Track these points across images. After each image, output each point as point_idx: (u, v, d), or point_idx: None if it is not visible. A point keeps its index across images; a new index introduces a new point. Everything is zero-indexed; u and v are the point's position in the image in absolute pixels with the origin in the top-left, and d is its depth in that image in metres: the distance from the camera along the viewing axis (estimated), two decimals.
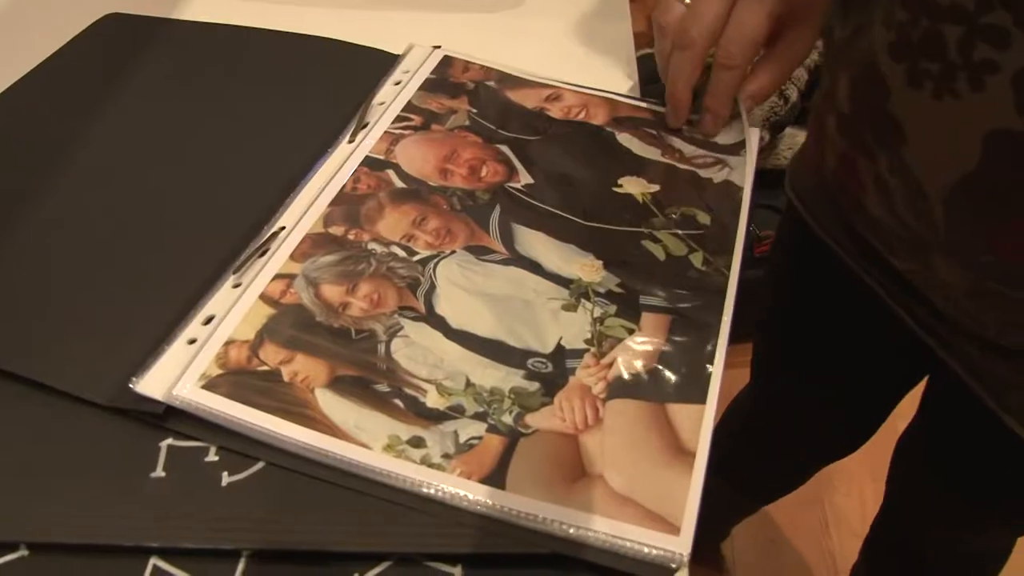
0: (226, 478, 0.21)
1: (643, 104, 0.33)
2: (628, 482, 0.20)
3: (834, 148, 0.32)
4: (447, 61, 0.34)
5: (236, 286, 0.25)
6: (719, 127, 0.31)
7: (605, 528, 0.19)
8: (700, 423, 0.22)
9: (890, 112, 0.26)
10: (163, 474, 0.21)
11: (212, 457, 0.21)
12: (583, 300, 0.24)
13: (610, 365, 0.23)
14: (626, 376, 0.23)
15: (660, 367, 0.23)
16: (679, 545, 0.19)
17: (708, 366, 0.23)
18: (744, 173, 0.29)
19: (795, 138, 0.83)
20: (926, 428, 0.45)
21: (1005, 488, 0.39)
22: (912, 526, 0.50)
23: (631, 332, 0.24)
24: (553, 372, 0.23)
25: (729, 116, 0.31)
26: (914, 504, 0.49)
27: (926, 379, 0.44)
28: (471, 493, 0.20)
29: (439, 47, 0.36)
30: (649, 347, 0.23)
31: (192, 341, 0.23)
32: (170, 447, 0.22)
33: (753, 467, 0.58)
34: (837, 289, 0.38)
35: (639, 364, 0.23)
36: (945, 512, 0.45)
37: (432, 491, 0.20)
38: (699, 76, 0.30)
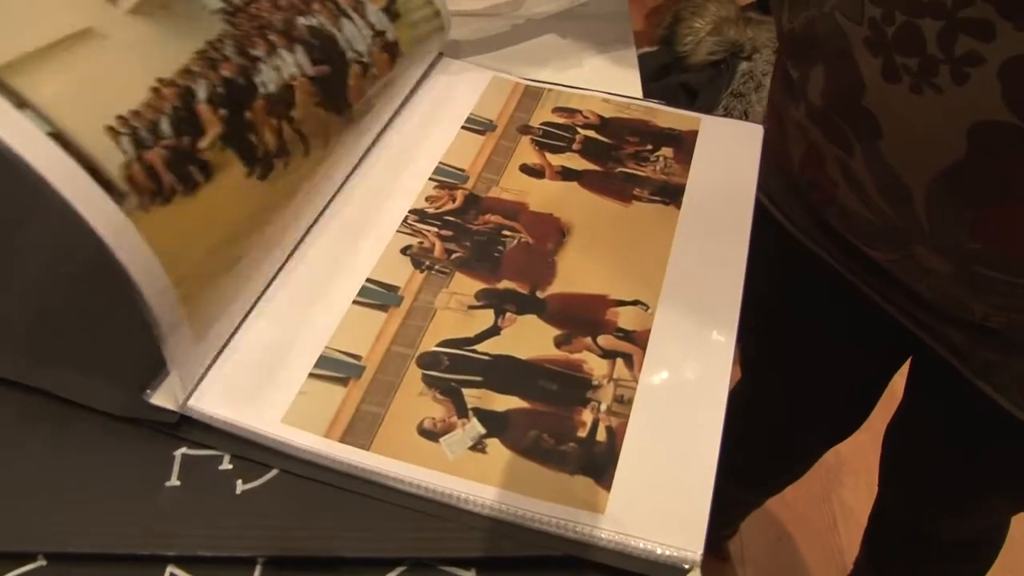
0: (240, 486, 0.21)
1: (639, 104, 0.34)
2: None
3: (799, 142, 0.32)
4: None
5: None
6: None
7: (617, 529, 0.20)
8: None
9: (865, 107, 0.25)
10: (178, 483, 0.21)
11: (226, 465, 0.22)
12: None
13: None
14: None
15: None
16: (691, 545, 0.19)
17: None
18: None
19: None
20: (912, 411, 0.45)
21: (995, 465, 0.39)
22: (907, 511, 0.51)
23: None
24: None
25: None
26: (906, 489, 0.49)
27: (909, 366, 0.44)
28: (483, 496, 0.20)
29: (442, 54, 0.36)
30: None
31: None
32: (184, 456, 0.22)
33: (752, 460, 0.58)
34: (813, 278, 0.39)
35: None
36: (937, 494, 0.45)
37: (444, 495, 0.20)
38: None
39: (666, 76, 0.87)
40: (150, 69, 0.20)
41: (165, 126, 0.19)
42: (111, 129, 0.18)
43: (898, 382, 0.47)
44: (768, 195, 0.39)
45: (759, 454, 0.58)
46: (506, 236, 0.28)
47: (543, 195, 0.29)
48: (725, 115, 0.82)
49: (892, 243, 0.29)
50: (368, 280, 0.26)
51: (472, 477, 0.21)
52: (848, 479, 0.87)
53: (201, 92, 0.20)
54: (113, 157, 0.17)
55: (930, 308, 0.31)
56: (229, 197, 0.21)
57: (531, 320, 0.25)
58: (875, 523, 0.57)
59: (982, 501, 0.43)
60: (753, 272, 0.47)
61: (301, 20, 0.24)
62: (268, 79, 0.23)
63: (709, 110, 0.82)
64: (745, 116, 0.84)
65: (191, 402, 0.22)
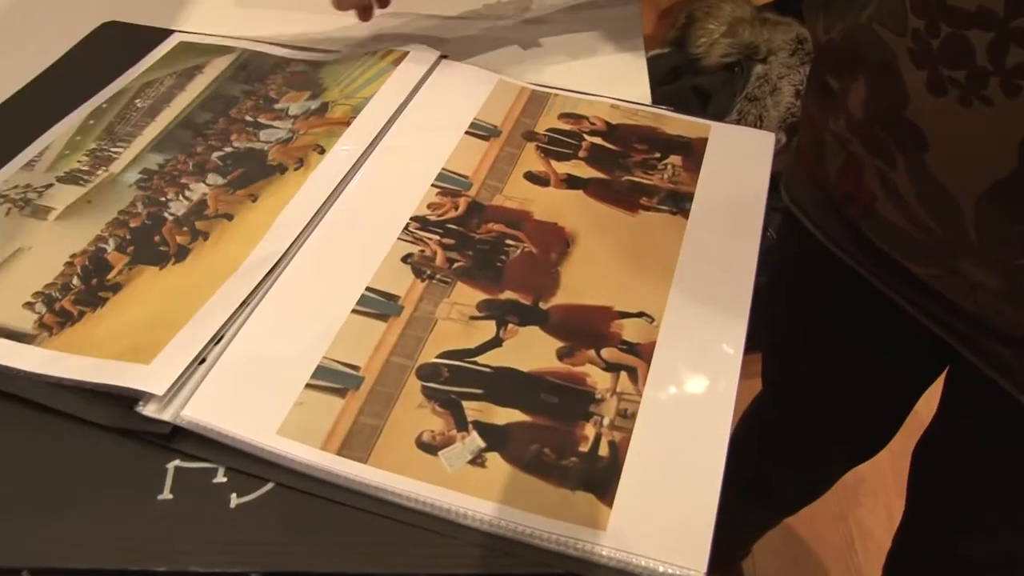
0: (235, 499, 0.22)
1: (647, 110, 0.34)
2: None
3: (836, 154, 0.32)
4: None
5: (245, 304, 0.25)
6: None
7: (619, 546, 0.20)
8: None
9: (909, 119, 0.26)
10: (170, 496, 0.22)
11: (220, 478, 0.22)
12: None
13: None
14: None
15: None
16: (695, 564, 0.20)
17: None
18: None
19: None
20: (946, 428, 0.45)
21: None
22: (936, 534, 0.50)
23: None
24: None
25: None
26: (938, 508, 0.48)
27: (944, 381, 0.44)
28: (483, 511, 0.21)
29: (446, 56, 0.37)
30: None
31: (202, 361, 0.24)
32: (177, 468, 0.22)
33: (771, 478, 0.58)
34: (844, 291, 0.39)
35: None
36: (970, 516, 0.45)
37: (443, 509, 0.21)
38: None
39: (678, 79, 0.87)
40: (65, 251, 0.28)
41: (75, 282, 0.27)
42: (27, 303, 0.26)
43: (925, 412, 0.46)
44: (801, 207, 0.39)
45: (778, 473, 0.57)
46: (509, 245, 0.28)
47: (548, 203, 0.30)
48: (739, 120, 0.82)
49: (936, 257, 0.29)
50: (367, 289, 0.26)
51: (471, 492, 0.21)
52: (866, 499, 0.86)
53: (111, 245, 0.29)
54: (28, 320, 0.26)
55: (975, 324, 0.31)
56: (146, 288, 0.27)
57: (533, 332, 0.25)
58: (901, 545, 0.56)
59: (1020, 521, 0.42)
60: (783, 283, 0.47)
61: (215, 155, 0.32)
62: (177, 208, 0.30)
63: (722, 114, 0.83)
64: (760, 121, 0.84)
65: (184, 412, 0.23)
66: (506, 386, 0.24)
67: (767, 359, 0.51)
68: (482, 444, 0.22)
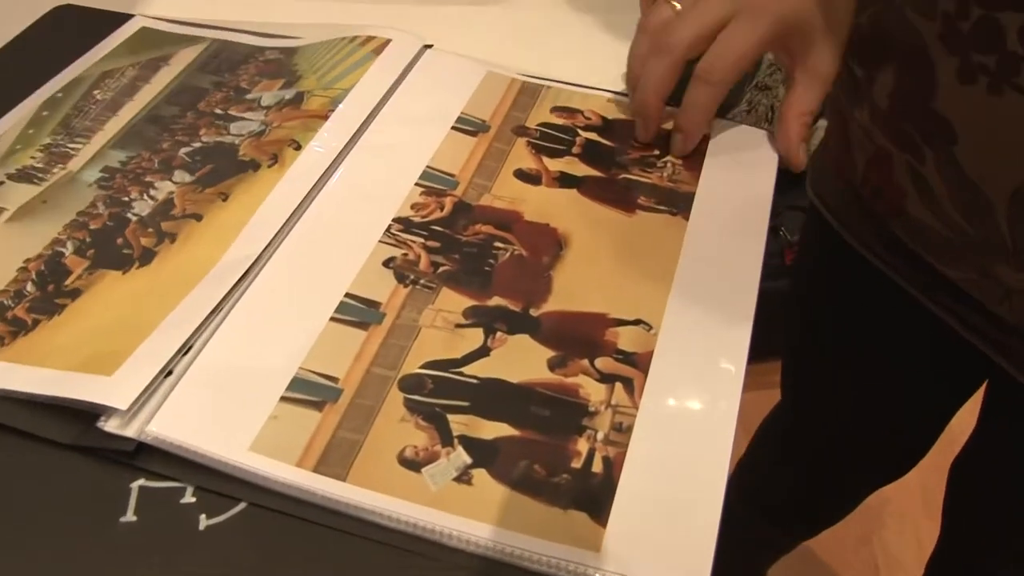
0: (204, 521, 0.22)
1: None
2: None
3: (864, 147, 0.33)
4: None
5: (215, 312, 0.26)
6: (688, 148, 0.32)
7: (614, 569, 0.21)
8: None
9: (935, 110, 0.26)
10: (134, 518, 0.22)
11: (189, 498, 0.23)
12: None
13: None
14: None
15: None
16: None
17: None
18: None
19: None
20: (986, 444, 0.45)
21: None
22: (974, 559, 0.50)
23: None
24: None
25: (699, 138, 0.31)
26: (975, 533, 0.48)
27: (984, 394, 0.44)
28: (469, 532, 0.21)
29: (431, 46, 0.38)
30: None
31: (168, 373, 0.25)
32: (142, 488, 0.23)
33: (789, 496, 0.58)
34: (873, 295, 0.39)
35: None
36: (1011, 540, 0.45)
37: (426, 530, 0.21)
38: (671, 87, 0.30)
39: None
40: (18, 255, 0.29)
41: (30, 288, 0.28)
42: None
43: (959, 428, 0.47)
44: (826, 204, 0.39)
45: (797, 492, 0.58)
46: (498, 248, 0.29)
47: (539, 203, 0.31)
48: (749, 110, 0.84)
49: (969, 260, 0.30)
50: (346, 295, 0.27)
51: (457, 511, 0.22)
52: (891, 521, 0.87)
53: (69, 248, 0.29)
54: None
55: (1011, 331, 0.31)
56: (108, 295, 0.28)
57: (523, 340, 0.26)
58: (936, 571, 0.56)
59: None
60: (804, 286, 0.47)
61: (182, 151, 0.33)
62: (142, 208, 0.31)
63: (730, 105, 0.84)
64: (771, 112, 0.86)
65: (150, 428, 0.23)
66: (494, 398, 0.24)
67: (787, 368, 0.52)
68: (468, 460, 0.23)
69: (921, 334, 0.38)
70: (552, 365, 0.25)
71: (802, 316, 0.48)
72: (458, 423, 0.24)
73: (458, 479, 0.22)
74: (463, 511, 0.22)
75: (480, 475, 0.23)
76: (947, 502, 0.50)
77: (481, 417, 0.24)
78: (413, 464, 0.23)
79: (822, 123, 0.87)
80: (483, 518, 0.22)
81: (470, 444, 0.23)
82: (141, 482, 0.23)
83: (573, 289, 0.28)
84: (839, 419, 0.50)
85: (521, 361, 0.25)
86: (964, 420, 0.47)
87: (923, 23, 0.26)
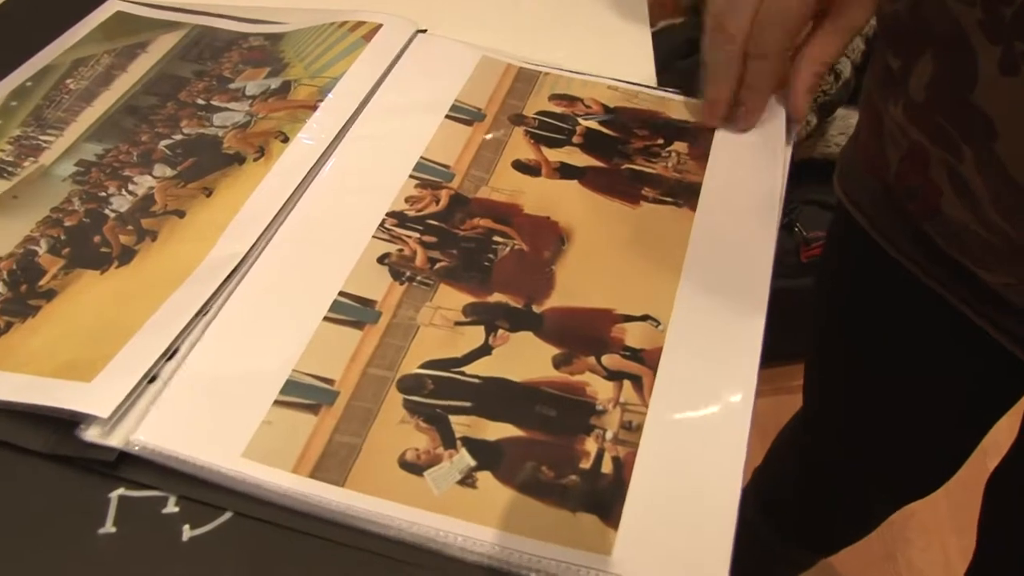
0: (188, 532, 0.23)
1: (649, 92, 0.36)
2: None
3: (898, 143, 0.33)
4: None
5: (201, 314, 0.27)
6: (754, 121, 0.33)
7: (625, 573, 0.21)
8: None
9: (974, 104, 0.26)
10: (113, 529, 0.23)
11: (171, 508, 0.23)
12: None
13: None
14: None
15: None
16: None
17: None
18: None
19: (848, 120, 0.86)
20: None
21: None
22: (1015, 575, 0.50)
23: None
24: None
25: (765, 106, 0.33)
26: (1014, 552, 0.48)
27: None
28: (474, 536, 0.22)
29: (424, 30, 0.38)
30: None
31: (152, 379, 0.25)
32: (122, 498, 0.23)
33: (810, 511, 0.59)
34: (904, 298, 0.39)
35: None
36: None
37: (429, 537, 0.22)
38: (739, 73, 0.32)
39: (694, 53, 0.89)
40: None
41: (1, 289, 0.28)
42: None
43: (996, 439, 0.46)
44: (854, 202, 0.39)
45: (816, 506, 0.58)
46: (497, 243, 0.30)
47: (539, 195, 0.32)
48: None
49: (1009, 264, 0.30)
50: (340, 293, 0.28)
51: (461, 515, 0.22)
52: (917, 537, 0.88)
53: (43, 247, 0.30)
54: None
55: None
56: (86, 296, 0.28)
57: (526, 337, 0.27)
58: None
59: None
60: (830, 288, 0.46)
61: (163, 143, 0.34)
62: (120, 204, 0.31)
63: None
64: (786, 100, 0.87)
65: (136, 436, 0.24)
66: (497, 398, 0.25)
67: (809, 374, 0.52)
68: (472, 462, 0.24)
69: (956, 341, 0.38)
70: (557, 363, 0.26)
71: (826, 320, 0.48)
72: (460, 424, 0.24)
73: (462, 482, 0.23)
74: (468, 515, 0.22)
75: (485, 478, 0.23)
76: (983, 518, 0.50)
77: (484, 418, 0.25)
78: (415, 467, 0.23)
79: (842, 112, 0.88)
80: (489, 522, 0.22)
81: (474, 446, 0.24)
82: (121, 491, 0.23)
83: (576, 284, 0.28)
84: (864, 430, 0.50)
85: (525, 359, 0.26)
86: (999, 431, 0.47)
87: (963, 9, 0.26)
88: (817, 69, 0.32)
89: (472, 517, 0.22)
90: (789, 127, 0.34)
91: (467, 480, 0.23)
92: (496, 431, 0.24)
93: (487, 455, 0.24)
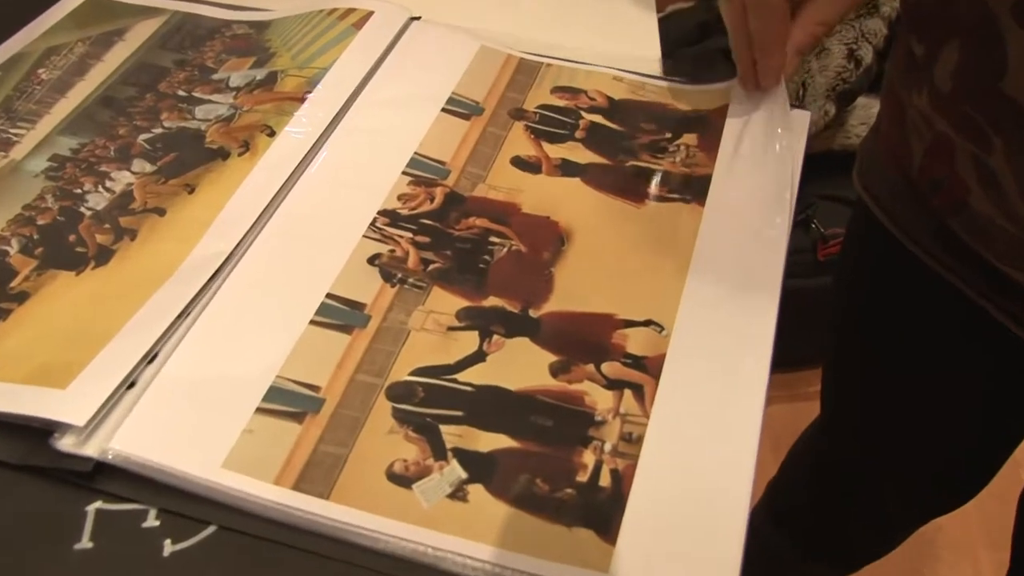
0: (169, 547, 0.23)
1: (656, 84, 0.36)
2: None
3: (922, 134, 0.33)
4: None
5: (182, 316, 0.27)
6: (770, 81, 0.34)
7: None
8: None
9: (1004, 92, 0.27)
10: (90, 545, 0.23)
11: (151, 522, 0.24)
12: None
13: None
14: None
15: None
16: None
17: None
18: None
19: (869, 110, 0.86)
20: None
21: None
22: None
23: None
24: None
25: (782, 64, 0.33)
26: None
27: None
28: (464, 552, 0.22)
29: (418, 18, 0.39)
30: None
31: (131, 385, 0.26)
32: (99, 512, 0.24)
33: (828, 524, 0.58)
34: (927, 300, 0.40)
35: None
36: None
37: (417, 552, 0.22)
38: (786, 34, 0.32)
39: (705, 39, 0.90)
40: None
41: None
42: None
43: None
44: (875, 197, 0.40)
45: (835, 521, 0.58)
46: (494, 244, 0.30)
47: (539, 194, 0.32)
48: None
49: None
50: (328, 295, 0.28)
51: (451, 531, 0.23)
52: (945, 553, 0.88)
53: (14, 247, 0.30)
54: None
55: None
56: (60, 298, 0.29)
57: (522, 343, 0.27)
58: None
59: None
60: (850, 288, 0.46)
61: (142, 137, 0.34)
62: (97, 202, 0.32)
63: None
64: (803, 88, 0.87)
65: (112, 445, 0.24)
66: (491, 407, 0.26)
67: (826, 380, 0.52)
68: (463, 475, 0.24)
69: (984, 344, 0.39)
70: (555, 371, 0.27)
71: (844, 322, 0.49)
72: (452, 435, 0.25)
73: (452, 495, 0.24)
74: (458, 531, 0.23)
75: (476, 491, 0.24)
76: (1017, 536, 0.49)
77: (477, 428, 0.25)
78: (403, 480, 0.24)
79: (863, 101, 0.88)
80: (480, 538, 0.23)
81: (465, 457, 0.24)
82: (98, 504, 0.24)
83: (576, 287, 0.29)
84: (886, 440, 0.50)
85: (520, 366, 0.27)
86: None
87: None
88: (813, 30, 0.33)
89: (463, 532, 0.23)
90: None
91: (458, 493, 0.24)
92: (489, 442, 0.25)
93: (479, 467, 0.24)
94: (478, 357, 0.27)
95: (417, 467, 0.24)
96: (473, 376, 0.26)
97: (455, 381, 0.26)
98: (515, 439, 0.25)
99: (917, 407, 0.47)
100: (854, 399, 0.51)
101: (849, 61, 0.83)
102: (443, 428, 0.25)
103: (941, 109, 0.31)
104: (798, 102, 0.84)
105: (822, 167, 0.51)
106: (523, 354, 0.27)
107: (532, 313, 0.28)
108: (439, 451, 0.25)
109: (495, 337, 0.27)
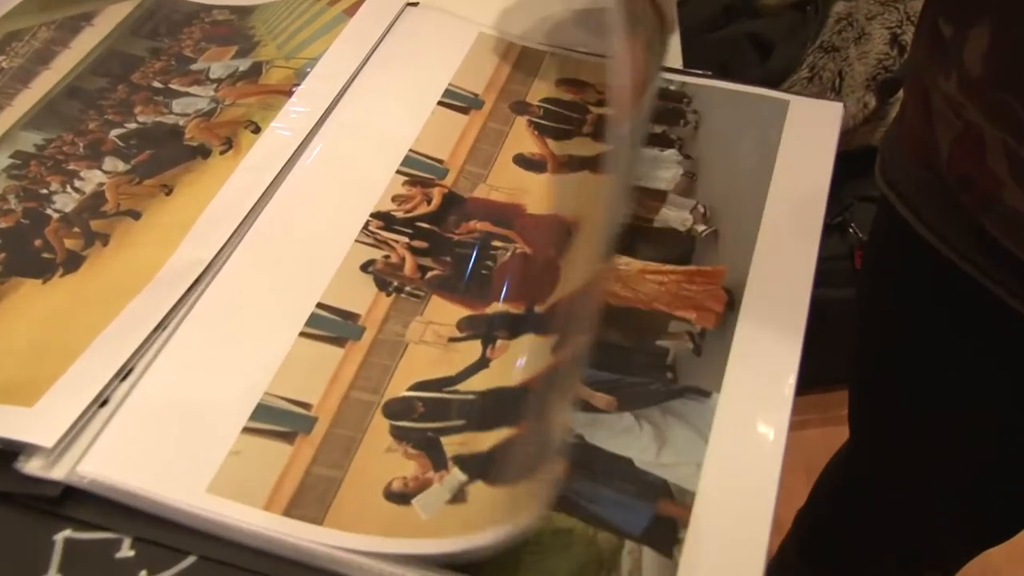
0: None
1: (671, 77, 0.37)
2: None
3: (950, 124, 0.34)
4: None
5: (160, 328, 0.28)
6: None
7: None
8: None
9: None
10: None
11: (126, 552, 0.24)
12: None
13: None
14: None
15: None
16: None
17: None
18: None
19: None
20: None
21: None
22: None
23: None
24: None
25: None
26: None
27: None
28: (469, 546, 0.22)
29: (415, 3, 0.40)
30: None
31: (103, 403, 0.27)
32: (68, 541, 0.24)
33: (860, 558, 0.59)
34: (960, 306, 0.40)
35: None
36: None
37: (419, 571, 0.22)
38: None
39: (730, 23, 0.90)
40: None
41: None
42: None
43: None
44: (899, 193, 0.40)
45: (871, 555, 0.58)
46: (497, 248, 0.31)
47: (544, 193, 0.33)
48: (811, 77, 0.86)
49: None
50: (318, 305, 0.29)
51: (452, 534, 0.23)
52: None
53: None
54: None
55: None
56: (25, 308, 0.30)
57: (526, 340, 0.28)
58: None
59: None
60: (877, 296, 0.47)
61: (114, 133, 0.35)
62: (64, 203, 0.33)
63: (788, 71, 0.86)
64: (839, 78, 0.88)
65: (82, 468, 0.25)
66: (493, 408, 0.26)
67: (853, 400, 0.53)
68: (463, 478, 0.25)
69: (1006, 342, 0.39)
70: (555, 348, 0.27)
71: (869, 333, 0.49)
72: (453, 443, 0.26)
73: (452, 500, 0.24)
74: (459, 531, 0.23)
75: (476, 489, 0.24)
76: None
77: (479, 431, 0.26)
78: (402, 497, 0.25)
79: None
80: (481, 528, 0.22)
81: (466, 462, 0.25)
82: (67, 533, 0.24)
83: (580, 268, 0.29)
84: (923, 464, 0.50)
85: (525, 362, 0.27)
86: None
87: None
88: None
89: (464, 531, 0.23)
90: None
91: (457, 497, 0.24)
92: (491, 439, 0.25)
93: (479, 466, 0.25)
94: (481, 364, 0.28)
95: (417, 482, 0.25)
96: (476, 383, 0.27)
97: (456, 392, 0.27)
98: (515, 427, 0.25)
99: (963, 436, 0.47)
100: (884, 424, 0.51)
101: (892, 47, 0.83)
102: (444, 439, 0.26)
103: (971, 95, 0.32)
104: (834, 93, 0.85)
105: (861, 165, 0.51)
106: (527, 350, 0.28)
107: (537, 309, 0.29)
108: (439, 462, 0.25)
109: (499, 342, 0.28)
